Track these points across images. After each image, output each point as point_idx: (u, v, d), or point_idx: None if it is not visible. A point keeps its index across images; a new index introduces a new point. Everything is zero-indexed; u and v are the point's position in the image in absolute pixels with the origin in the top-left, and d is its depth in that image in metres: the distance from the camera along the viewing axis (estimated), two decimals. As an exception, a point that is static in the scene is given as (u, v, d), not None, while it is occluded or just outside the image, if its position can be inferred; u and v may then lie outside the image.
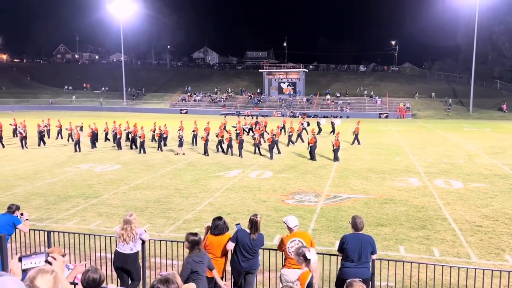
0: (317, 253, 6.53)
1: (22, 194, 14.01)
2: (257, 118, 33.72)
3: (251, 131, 30.71)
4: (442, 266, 6.41)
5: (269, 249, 6.59)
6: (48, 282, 1.98)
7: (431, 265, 6.58)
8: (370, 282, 5.71)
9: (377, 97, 61.74)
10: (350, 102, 60.75)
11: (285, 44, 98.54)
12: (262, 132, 26.73)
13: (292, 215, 6.23)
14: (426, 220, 11.39)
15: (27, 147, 24.48)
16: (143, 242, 6.43)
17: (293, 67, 68.20)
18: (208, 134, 23.21)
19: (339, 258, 6.02)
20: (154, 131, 26.30)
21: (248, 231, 5.92)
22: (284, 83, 65.44)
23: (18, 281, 1.11)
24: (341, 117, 38.87)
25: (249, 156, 22.33)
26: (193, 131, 26.21)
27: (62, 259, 2.58)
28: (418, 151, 24.20)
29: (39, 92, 72.20)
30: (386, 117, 55.17)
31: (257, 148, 22.79)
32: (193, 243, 5.23)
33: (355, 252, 5.56)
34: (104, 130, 27.89)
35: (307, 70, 70.52)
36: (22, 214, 7.15)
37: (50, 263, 2.51)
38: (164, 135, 25.03)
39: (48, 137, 28.19)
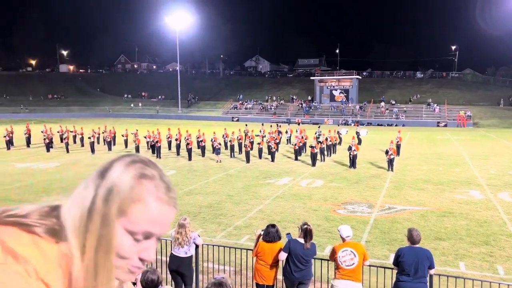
0: (370, 266, 6.36)
1: (85, 197, 14.86)
2: (278, 126, 33.02)
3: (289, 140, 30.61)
4: (508, 285, 5.97)
5: (321, 259, 6.50)
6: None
7: (495, 284, 6.14)
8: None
9: (435, 104, 59.04)
10: (406, 109, 58.60)
11: (337, 51, 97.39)
12: (278, 141, 26.04)
13: (346, 225, 6.12)
14: (489, 235, 10.68)
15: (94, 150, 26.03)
16: (197, 246, 6.59)
17: (346, 74, 67.11)
18: (252, 142, 23.51)
19: (394, 271, 5.81)
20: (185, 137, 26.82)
21: (300, 240, 5.87)
22: (336, 90, 64.53)
23: None
24: (367, 130, 35.74)
25: (299, 165, 22.22)
26: (224, 136, 26.68)
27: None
28: (480, 162, 22.81)
29: (101, 101, 76.60)
30: (445, 125, 52.56)
31: (272, 156, 22.98)
32: None
33: (411, 266, 5.33)
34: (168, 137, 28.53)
35: (360, 77, 69.10)
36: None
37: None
38: (203, 143, 25.35)
39: (98, 143, 29.11)
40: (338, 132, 30.96)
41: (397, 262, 5.50)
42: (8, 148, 27.84)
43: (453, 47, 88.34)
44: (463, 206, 13.64)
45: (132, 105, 73.24)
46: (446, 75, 74.75)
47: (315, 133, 28.78)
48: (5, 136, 28.19)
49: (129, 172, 0.82)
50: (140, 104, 73.05)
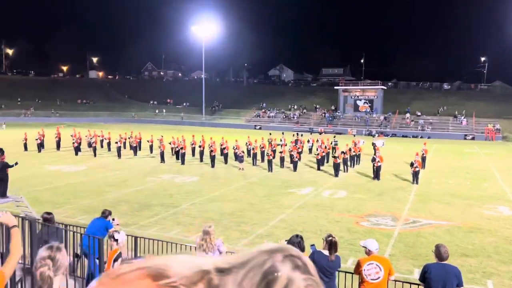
0: (395, 281, 6.28)
1: (111, 200, 15.24)
2: (298, 135, 32.73)
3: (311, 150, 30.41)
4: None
5: (345, 272, 6.47)
6: None
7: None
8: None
9: (463, 117, 57.69)
10: (432, 121, 57.48)
11: (362, 60, 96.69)
12: (301, 150, 25.73)
13: (371, 238, 6.07)
14: (519, 254, 10.35)
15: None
16: (221, 253, 6.67)
17: (371, 84, 66.48)
18: (274, 151, 23.51)
19: (419, 287, 5.73)
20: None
21: (324, 252, 5.86)
22: (360, 100, 63.97)
23: None
24: (383, 141, 34.25)
25: (322, 175, 22.10)
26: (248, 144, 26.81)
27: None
28: (509, 177, 22.12)
29: (128, 107, 78.33)
30: (473, 138, 51.24)
31: (295, 165, 22.92)
32: None
33: (438, 283, 5.24)
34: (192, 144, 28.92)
35: (385, 88, 68.28)
36: (113, 220, 7.82)
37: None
38: (226, 151, 25.53)
39: (124, 148, 29.56)
40: (373, 143, 30.26)
41: (423, 278, 5.42)
42: (39, 151, 28.79)
43: (482, 59, 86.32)
44: (491, 222, 13.27)
45: (156, 111, 74.59)
46: (474, 87, 73.01)
47: (331, 143, 28.66)
48: (37, 139, 29.20)
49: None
50: (164, 111, 74.34)
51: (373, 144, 29.65)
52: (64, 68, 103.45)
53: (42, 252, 2.34)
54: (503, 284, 8.58)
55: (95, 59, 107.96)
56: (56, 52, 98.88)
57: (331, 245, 5.78)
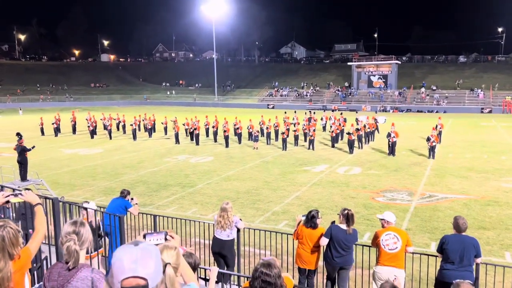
0: (413, 253, 6.30)
1: (128, 181, 15.50)
2: (311, 113, 32.14)
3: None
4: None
5: (362, 245, 6.51)
6: (172, 257, 2.27)
7: (545, 275, 5.94)
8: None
9: (479, 90, 56.39)
10: (447, 95, 56.38)
11: (376, 35, 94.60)
12: (314, 128, 25.31)
13: (388, 211, 6.07)
14: (538, 226, 10.25)
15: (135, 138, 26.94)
16: (238, 230, 6.77)
17: (385, 59, 65.19)
18: (288, 130, 23.44)
19: (437, 259, 5.73)
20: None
21: (341, 226, 5.90)
22: (374, 76, 62.93)
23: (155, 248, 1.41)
24: (385, 117, 33.63)
25: (336, 152, 22.04)
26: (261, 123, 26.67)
27: (179, 238, 2.86)
28: (529, 150, 21.72)
29: (141, 89, 78.61)
30: (490, 112, 50.18)
31: (311, 144, 22.72)
32: None
33: (456, 254, 5.23)
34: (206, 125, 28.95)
35: (399, 62, 66.90)
36: (132, 199, 7.97)
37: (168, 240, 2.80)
38: (240, 131, 25.50)
39: (139, 130, 29.69)
40: (375, 119, 29.93)
41: (441, 249, 5.41)
42: (56, 135, 29.28)
43: (500, 29, 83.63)
44: (509, 195, 13.12)
45: (168, 92, 74.82)
46: (491, 59, 71.03)
47: (345, 119, 28.38)
48: (53, 124, 29.67)
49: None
50: (173, 92, 74.46)
51: (375, 119, 29.01)
52: (76, 52, 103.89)
53: (67, 227, 2.41)
54: (521, 256, 8.54)
55: (106, 43, 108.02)
56: (67, 37, 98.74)
57: (348, 218, 5.81)
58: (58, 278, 2.33)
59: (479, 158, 19.62)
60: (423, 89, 59.07)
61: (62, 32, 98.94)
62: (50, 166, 18.47)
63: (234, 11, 75.69)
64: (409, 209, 11.78)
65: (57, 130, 29.73)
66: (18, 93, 68.65)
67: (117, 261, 1.36)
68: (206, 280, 4.77)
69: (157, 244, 2.64)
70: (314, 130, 23.48)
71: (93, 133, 28.61)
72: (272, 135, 25.80)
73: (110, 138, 27.65)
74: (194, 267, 3.63)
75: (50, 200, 4.44)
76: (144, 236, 2.65)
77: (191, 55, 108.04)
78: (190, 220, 8.19)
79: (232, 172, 16.99)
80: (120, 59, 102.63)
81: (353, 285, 6.62)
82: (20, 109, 52.56)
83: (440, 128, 24.30)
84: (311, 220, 6.11)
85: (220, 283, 5.82)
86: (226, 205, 6.59)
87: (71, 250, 2.32)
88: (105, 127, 29.20)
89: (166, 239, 2.78)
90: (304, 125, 26.83)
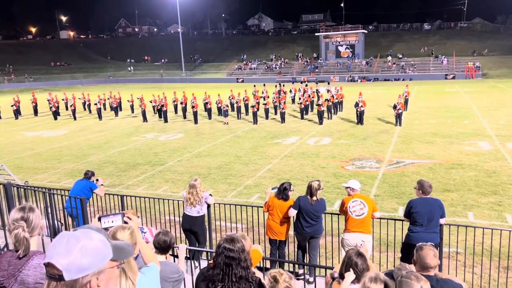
0: (380, 218, 6.45)
1: (95, 162, 15.09)
2: (280, 86, 31.99)
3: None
4: (517, 233, 6.03)
5: (331, 214, 6.60)
6: (126, 236, 2.18)
7: (506, 231, 6.21)
8: (438, 248, 5.53)
9: (443, 56, 57.68)
10: (413, 63, 57.40)
11: (342, 5, 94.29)
12: (283, 101, 25.26)
13: (353, 179, 6.14)
14: (498, 185, 10.73)
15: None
16: (209, 205, 6.71)
17: (351, 28, 65.31)
18: (258, 103, 23.32)
19: (404, 224, 5.89)
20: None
21: (308, 197, 5.95)
22: (342, 46, 63.12)
23: (100, 235, 1.24)
24: (329, 84, 34.28)
25: (306, 124, 22.18)
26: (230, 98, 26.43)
27: (136, 219, 2.77)
28: (489, 113, 22.56)
29: (104, 67, 75.93)
30: (453, 78, 51.62)
31: (282, 117, 22.64)
32: None
33: (424, 216, 5.38)
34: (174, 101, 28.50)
35: (366, 32, 67.26)
36: (97, 180, 7.74)
37: (126, 223, 2.71)
38: (209, 106, 25.26)
39: (104, 109, 28.63)
40: (316, 90, 30.20)
41: (408, 213, 5.55)
42: (16, 118, 28.03)
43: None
44: (471, 157, 13.63)
45: (128, 69, 72.76)
46: (454, 26, 72.52)
47: (315, 91, 28.35)
48: (12, 106, 28.32)
49: None
50: (131, 68, 72.50)
51: (317, 90, 29.37)
52: (33, 30, 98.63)
53: (14, 213, 2.25)
54: (483, 214, 8.93)
55: (64, 19, 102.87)
56: (23, 14, 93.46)
57: (309, 189, 5.88)
58: (8, 267, 2.19)
59: (443, 123, 20.22)
60: (389, 58, 59.88)
61: (17, 8, 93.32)
62: (12, 150, 17.71)
63: (198, -18, 73.42)
64: (377, 176, 12.05)
65: (17, 113, 28.43)
66: None
67: (49, 245, 1.25)
68: (176, 257, 4.71)
69: (110, 227, 2.54)
70: (284, 103, 23.45)
71: (56, 114, 27.54)
72: (243, 109, 25.60)
73: (75, 118, 26.72)
74: (169, 245, 3.57)
75: (2, 186, 4.21)
76: (99, 219, 2.53)
77: (155, 29, 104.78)
78: (159, 199, 8.06)
79: (203, 148, 16.82)
80: (81, 36, 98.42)
81: (324, 253, 6.75)
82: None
83: (406, 95, 24.81)
84: (283, 192, 6.12)
85: (190, 260, 5.78)
86: (194, 182, 6.49)
87: (19, 238, 2.17)
88: (66, 107, 28.09)
89: (124, 222, 2.68)
90: (274, 98, 26.75)
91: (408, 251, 5.18)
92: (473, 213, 9.01)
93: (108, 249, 1.29)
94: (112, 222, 2.50)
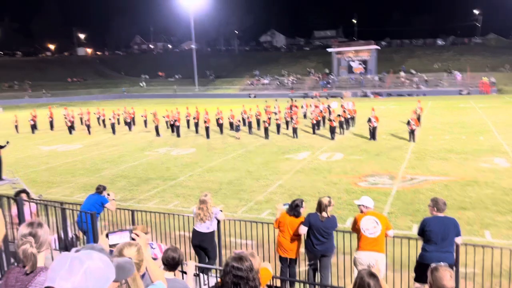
0: (394, 237, 6.31)
1: (108, 177, 15.20)
2: (292, 101, 31.91)
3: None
4: (537, 253, 5.84)
5: (343, 232, 6.49)
6: (133, 253, 2.17)
7: (524, 252, 6.00)
8: (454, 268, 5.37)
9: (457, 72, 57.21)
10: (426, 79, 57.03)
11: (354, 21, 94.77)
12: (296, 116, 25.08)
13: (366, 196, 6.04)
14: (516, 204, 10.46)
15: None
16: (219, 221, 6.66)
17: (364, 44, 65.43)
18: (270, 118, 23.37)
19: (418, 242, 5.75)
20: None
21: (318, 214, 5.86)
22: (354, 62, 63.18)
23: (104, 256, 1.20)
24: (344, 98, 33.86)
25: (318, 139, 22.09)
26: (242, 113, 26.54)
27: (145, 236, 2.75)
28: (505, 130, 22.16)
29: (120, 82, 77.19)
30: (468, 93, 51.05)
31: (295, 132, 22.59)
32: None
33: (438, 235, 5.24)
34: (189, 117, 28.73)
35: (379, 47, 67.25)
36: (108, 194, 7.77)
37: (133, 239, 2.69)
38: (221, 121, 25.41)
39: (118, 124, 28.92)
40: (328, 106, 30.06)
41: (422, 232, 5.41)
42: (33, 132, 28.54)
43: (476, 12, 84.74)
44: (488, 174, 13.35)
45: (140, 84, 74.00)
46: (468, 41, 72.09)
47: (327, 106, 28.33)
48: (29, 120, 28.89)
49: None
50: (144, 83, 73.79)
51: (328, 106, 29.25)
52: (52, 47, 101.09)
53: (23, 229, 2.25)
54: (500, 233, 8.69)
55: (82, 36, 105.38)
56: (42, 31, 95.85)
57: (319, 205, 5.79)
58: (15, 283, 2.18)
59: (458, 139, 19.92)
60: (402, 73, 59.66)
61: (37, 26, 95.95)
62: (28, 164, 17.98)
63: (212, 0, 74.73)
64: (391, 193, 11.87)
65: (34, 127, 28.97)
66: (6, 87, 67.30)
67: (50, 267, 1.23)
68: (185, 273, 4.66)
69: (116, 244, 2.52)
70: (296, 118, 23.46)
71: (71, 128, 27.98)
72: (254, 125, 25.67)
73: (89, 133, 27.08)
74: (178, 262, 3.54)
75: (14, 200, 4.24)
76: (107, 235, 2.52)
77: (169, 46, 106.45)
78: (169, 214, 8.04)
79: (214, 163, 16.83)
80: (97, 53, 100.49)
81: (336, 272, 6.61)
82: (0, 107, 51.00)
83: (420, 111, 24.59)
84: (294, 208, 6.05)
85: (200, 275, 5.72)
86: (204, 197, 6.46)
87: (27, 254, 2.17)
88: (81, 122, 28.52)
89: (132, 238, 2.67)
90: (285, 113, 26.78)
91: (422, 271, 5.03)
92: (490, 232, 8.77)
93: (111, 270, 1.27)
94: (120, 238, 2.49)
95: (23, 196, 5.47)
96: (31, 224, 2.28)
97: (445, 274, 2.98)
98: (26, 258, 2.17)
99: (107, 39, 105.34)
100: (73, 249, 1.32)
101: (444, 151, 17.24)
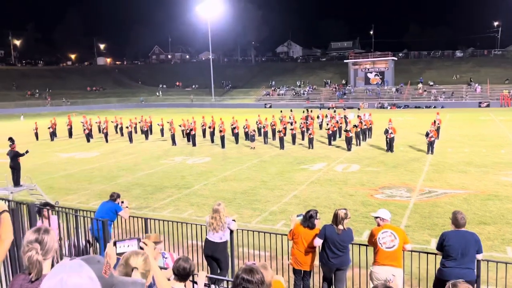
0: (412, 251, 6.11)
1: (124, 184, 15.29)
2: (308, 112, 31.76)
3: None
4: None
5: (359, 245, 6.32)
6: (139, 262, 2.11)
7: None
8: (475, 285, 5.14)
9: (477, 84, 56.23)
10: (445, 90, 56.20)
11: (372, 32, 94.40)
12: (311, 126, 24.92)
13: (383, 209, 5.87)
14: (539, 219, 10.07)
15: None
16: (231, 231, 6.57)
17: (381, 55, 65.03)
18: (285, 128, 23.29)
19: (437, 257, 5.54)
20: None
21: (335, 226, 5.71)
22: (371, 73, 62.76)
23: (92, 273, 1.13)
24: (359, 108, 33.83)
25: (334, 150, 21.86)
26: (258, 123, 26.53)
27: (153, 246, 2.69)
28: (528, 143, 21.56)
29: (138, 92, 78.33)
30: (487, 106, 50.06)
31: (311, 142, 22.39)
32: None
33: (457, 250, 5.03)
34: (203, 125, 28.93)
35: (396, 59, 66.71)
36: (122, 202, 7.77)
37: (142, 248, 2.64)
38: (236, 130, 25.45)
39: (135, 132, 29.55)
40: (344, 116, 30.01)
41: (441, 246, 5.21)
42: (52, 139, 29.06)
43: (495, 23, 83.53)
44: (509, 188, 12.94)
45: (156, 93, 75.13)
46: (487, 53, 70.91)
47: (343, 117, 28.11)
48: (49, 128, 29.46)
49: None
50: (160, 93, 74.95)
51: (345, 117, 29.17)
52: (72, 56, 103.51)
53: (29, 235, 2.21)
54: (523, 250, 8.36)
55: (102, 46, 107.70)
56: (63, 41, 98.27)
57: (335, 217, 5.64)
58: None
59: (478, 152, 19.45)
60: (420, 85, 58.94)
61: (58, 36, 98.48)
62: (46, 171, 18.25)
63: (230, 12, 75.53)
64: (408, 206, 11.59)
65: (53, 135, 29.51)
66: (29, 95, 69.18)
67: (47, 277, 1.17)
68: (195, 283, 4.58)
69: (124, 252, 2.46)
70: (312, 128, 23.32)
71: (89, 136, 28.40)
72: (269, 134, 25.60)
73: (107, 141, 27.42)
74: (189, 273, 3.48)
75: (26, 205, 4.25)
76: (115, 243, 2.47)
77: (187, 56, 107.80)
78: (183, 223, 7.98)
79: (229, 173, 16.79)
80: (117, 62, 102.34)
81: (351, 286, 6.43)
82: (22, 115, 52.25)
83: (439, 123, 24.16)
84: (309, 219, 5.92)
85: (211, 287, 5.62)
86: (218, 206, 6.39)
87: (33, 261, 2.12)
88: (99, 130, 28.94)
89: (140, 247, 2.61)
90: (301, 123, 26.66)
91: (441, 287, 4.83)
92: (513, 248, 8.44)
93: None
94: (128, 247, 2.43)
95: (45, 212, 5.44)
96: (37, 230, 2.24)
97: (465, 292, 2.83)
98: (31, 265, 2.13)
99: (126, 49, 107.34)
100: (66, 258, 1.26)
101: (463, 164, 16.84)
